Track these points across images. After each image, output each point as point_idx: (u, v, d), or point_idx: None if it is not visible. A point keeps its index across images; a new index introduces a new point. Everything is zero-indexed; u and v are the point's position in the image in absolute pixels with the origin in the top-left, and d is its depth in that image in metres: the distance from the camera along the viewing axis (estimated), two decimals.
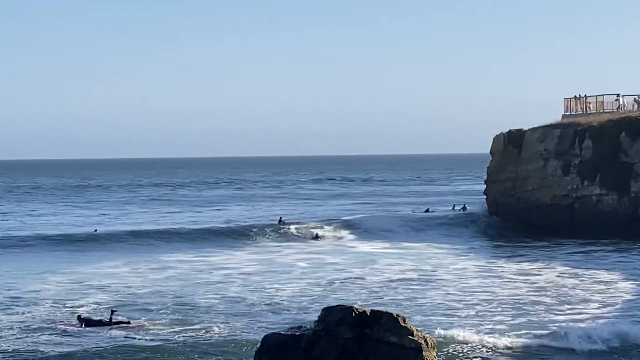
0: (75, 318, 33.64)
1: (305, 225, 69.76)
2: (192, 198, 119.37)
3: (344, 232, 67.77)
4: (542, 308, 36.19)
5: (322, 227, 68.79)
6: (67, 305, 36.96)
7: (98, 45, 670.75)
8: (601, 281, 43.17)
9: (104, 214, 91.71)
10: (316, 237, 65.89)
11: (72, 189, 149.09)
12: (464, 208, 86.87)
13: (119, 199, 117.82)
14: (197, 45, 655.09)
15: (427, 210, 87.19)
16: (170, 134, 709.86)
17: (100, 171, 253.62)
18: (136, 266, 50.31)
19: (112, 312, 33.76)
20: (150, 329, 32.08)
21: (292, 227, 68.84)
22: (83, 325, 32.68)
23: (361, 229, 68.96)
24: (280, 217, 75.52)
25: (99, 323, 32.92)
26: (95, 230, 68.57)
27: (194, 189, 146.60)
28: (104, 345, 29.33)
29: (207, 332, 31.54)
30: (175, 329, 32.08)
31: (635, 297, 38.87)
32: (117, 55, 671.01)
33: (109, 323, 32.85)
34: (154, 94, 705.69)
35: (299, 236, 65.51)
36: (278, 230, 67.87)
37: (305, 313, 34.53)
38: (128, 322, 33.14)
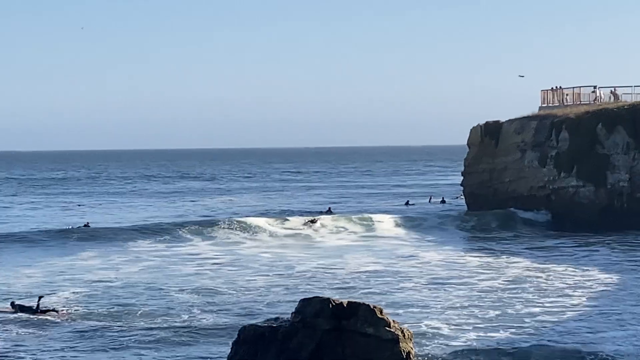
0: (9, 304, 34.33)
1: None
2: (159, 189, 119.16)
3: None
4: (511, 301, 36.20)
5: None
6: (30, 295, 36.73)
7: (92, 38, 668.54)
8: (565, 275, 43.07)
9: (80, 205, 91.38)
10: (313, 222, 64.54)
11: (54, 180, 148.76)
12: (443, 201, 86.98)
13: (93, 191, 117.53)
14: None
15: (407, 203, 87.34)
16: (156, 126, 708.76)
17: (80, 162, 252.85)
18: (109, 258, 49.98)
19: (40, 298, 34.18)
20: (79, 318, 32.29)
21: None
22: (17, 311, 33.49)
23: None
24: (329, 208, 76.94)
25: (30, 310, 33.45)
26: (87, 224, 67.53)
27: (167, 180, 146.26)
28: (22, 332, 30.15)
29: (184, 323, 31.41)
30: (129, 321, 31.88)
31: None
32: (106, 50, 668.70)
33: (37, 310, 33.29)
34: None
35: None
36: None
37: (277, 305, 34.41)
38: (55, 310, 33.40)
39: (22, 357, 27.31)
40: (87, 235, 60.65)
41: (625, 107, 66.51)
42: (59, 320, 32.26)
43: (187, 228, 61.27)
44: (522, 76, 74.21)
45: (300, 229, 63.00)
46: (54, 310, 33.41)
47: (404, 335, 21.40)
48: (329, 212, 74.55)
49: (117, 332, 30.41)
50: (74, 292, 37.99)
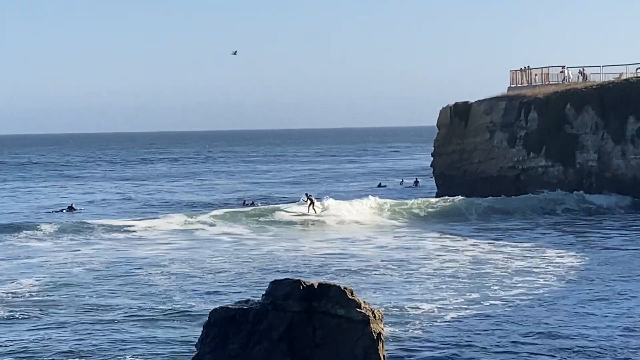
0: None
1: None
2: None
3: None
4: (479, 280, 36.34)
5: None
6: None
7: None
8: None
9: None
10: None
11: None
12: (416, 182, 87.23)
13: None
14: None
15: (379, 185, 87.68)
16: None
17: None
18: (68, 242, 49.62)
19: None
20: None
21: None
22: None
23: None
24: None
25: None
26: (71, 205, 68.14)
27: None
28: None
29: (154, 306, 31.31)
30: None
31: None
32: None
33: None
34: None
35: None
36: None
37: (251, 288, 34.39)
38: None
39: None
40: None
41: (594, 87, 66.90)
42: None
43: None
44: (235, 53, 73.69)
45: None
46: None
47: (374, 316, 21.39)
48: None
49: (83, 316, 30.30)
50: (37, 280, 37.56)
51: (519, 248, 45.46)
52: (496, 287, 34.45)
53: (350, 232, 53.85)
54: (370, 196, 64.97)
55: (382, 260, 41.66)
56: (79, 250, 46.50)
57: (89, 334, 27.83)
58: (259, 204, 68.17)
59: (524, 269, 38.91)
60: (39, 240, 50.12)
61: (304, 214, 60.41)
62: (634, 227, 53.31)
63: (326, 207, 61.33)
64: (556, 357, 24.73)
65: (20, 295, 33.70)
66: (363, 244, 48.25)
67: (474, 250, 45.16)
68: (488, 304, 31.38)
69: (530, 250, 44.53)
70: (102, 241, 49.80)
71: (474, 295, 32.74)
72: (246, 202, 70.89)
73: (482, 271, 38.34)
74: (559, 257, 42.27)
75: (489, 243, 47.61)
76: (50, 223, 54.79)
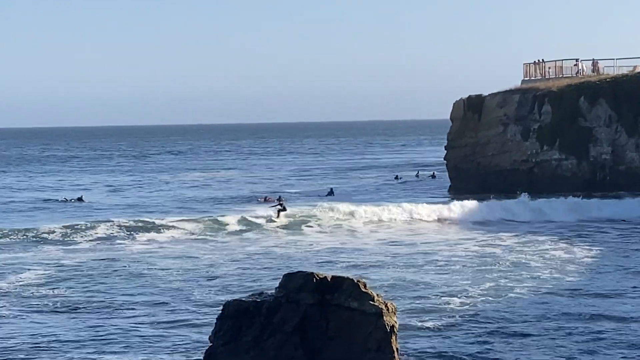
0: None
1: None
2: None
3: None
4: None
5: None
6: None
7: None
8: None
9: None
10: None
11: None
12: (433, 175, 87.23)
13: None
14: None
15: (396, 177, 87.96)
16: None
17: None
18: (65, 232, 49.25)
19: None
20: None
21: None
22: None
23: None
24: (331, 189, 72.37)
25: None
26: (81, 197, 68.40)
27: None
28: None
29: (168, 299, 31.47)
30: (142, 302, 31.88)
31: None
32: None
33: None
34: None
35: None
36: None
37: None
38: None
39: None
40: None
41: (607, 79, 66.75)
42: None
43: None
44: None
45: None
46: None
47: (387, 309, 21.45)
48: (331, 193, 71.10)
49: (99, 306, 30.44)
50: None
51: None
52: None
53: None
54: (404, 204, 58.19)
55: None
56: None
57: (100, 325, 27.99)
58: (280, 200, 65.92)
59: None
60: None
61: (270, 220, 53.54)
62: None
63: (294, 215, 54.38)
64: None
65: (36, 288, 33.86)
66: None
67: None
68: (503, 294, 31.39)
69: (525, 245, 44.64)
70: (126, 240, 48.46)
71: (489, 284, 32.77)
72: (265, 198, 66.86)
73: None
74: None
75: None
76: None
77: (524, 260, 38.94)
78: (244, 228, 51.66)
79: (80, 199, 67.91)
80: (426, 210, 56.43)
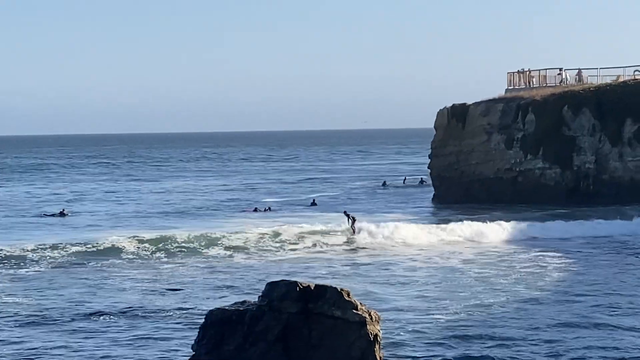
0: None
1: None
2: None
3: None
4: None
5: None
6: None
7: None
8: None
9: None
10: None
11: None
12: (421, 181, 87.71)
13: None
14: None
15: (383, 184, 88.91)
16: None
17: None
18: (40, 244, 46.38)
19: None
20: None
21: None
22: None
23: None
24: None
25: None
26: (63, 210, 64.73)
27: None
28: None
29: (151, 307, 31.34)
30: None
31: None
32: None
33: None
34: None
35: None
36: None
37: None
38: None
39: None
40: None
41: (591, 89, 66.92)
42: None
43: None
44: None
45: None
46: None
47: (371, 318, 21.39)
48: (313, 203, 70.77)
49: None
50: None
51: None
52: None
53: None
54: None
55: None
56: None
57: (83, 332, 27.85)
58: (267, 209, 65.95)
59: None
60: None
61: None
62: None
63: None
64: None
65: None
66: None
67: None
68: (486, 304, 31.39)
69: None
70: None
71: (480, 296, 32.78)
72: (257, 209, 66.13)
73: None
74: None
75: None
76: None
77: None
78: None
79: (62, 213, 63.84)
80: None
